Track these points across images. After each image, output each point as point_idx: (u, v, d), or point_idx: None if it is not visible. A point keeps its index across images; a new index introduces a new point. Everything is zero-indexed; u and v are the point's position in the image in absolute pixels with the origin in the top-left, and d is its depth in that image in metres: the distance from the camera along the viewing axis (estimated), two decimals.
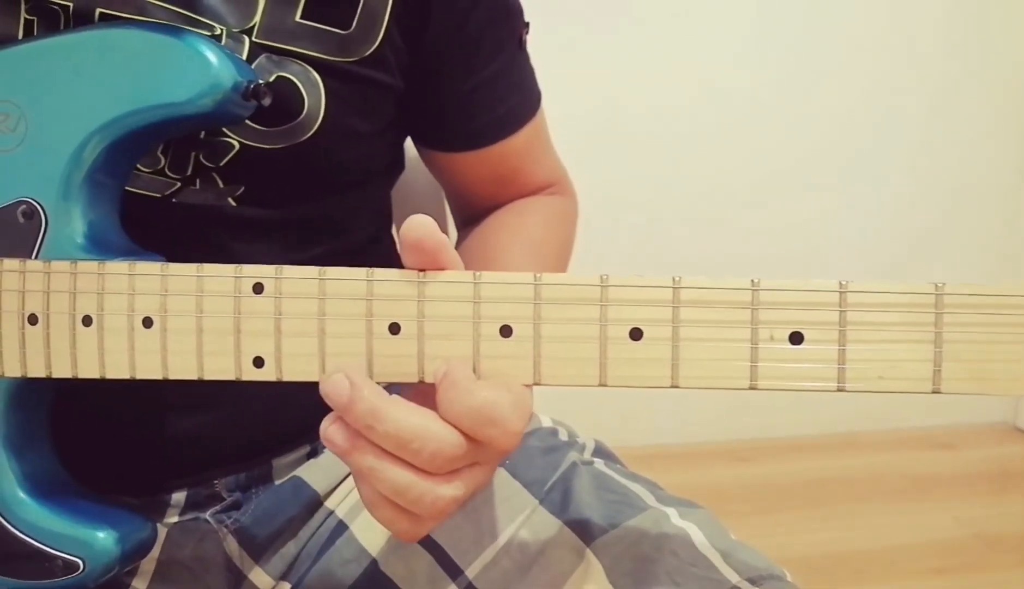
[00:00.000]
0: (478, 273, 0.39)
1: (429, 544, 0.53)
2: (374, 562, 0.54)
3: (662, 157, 1.66)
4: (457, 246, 0.64)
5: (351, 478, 0.57)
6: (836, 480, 1.61)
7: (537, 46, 0.63)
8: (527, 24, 0.61)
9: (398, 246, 0.67)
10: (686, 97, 1.66)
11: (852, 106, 1.72)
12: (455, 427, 0.38)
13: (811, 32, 1.68)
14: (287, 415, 0.55)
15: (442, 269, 0.40)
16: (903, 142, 1.77)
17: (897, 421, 1.75)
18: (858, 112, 1.73)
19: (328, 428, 0.38)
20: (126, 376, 0.42)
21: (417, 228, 0.39)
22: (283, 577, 0.56)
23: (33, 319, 0.43)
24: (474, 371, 0.39)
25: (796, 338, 0.37)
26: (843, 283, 0.37)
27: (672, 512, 0.53)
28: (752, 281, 0.37)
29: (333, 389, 0.38)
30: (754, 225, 1.71)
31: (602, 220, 1.44)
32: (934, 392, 0.37)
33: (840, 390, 0.37)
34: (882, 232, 1.78)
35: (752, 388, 0.38)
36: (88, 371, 0.43)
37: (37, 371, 0.43)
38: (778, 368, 0.38)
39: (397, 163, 0.63)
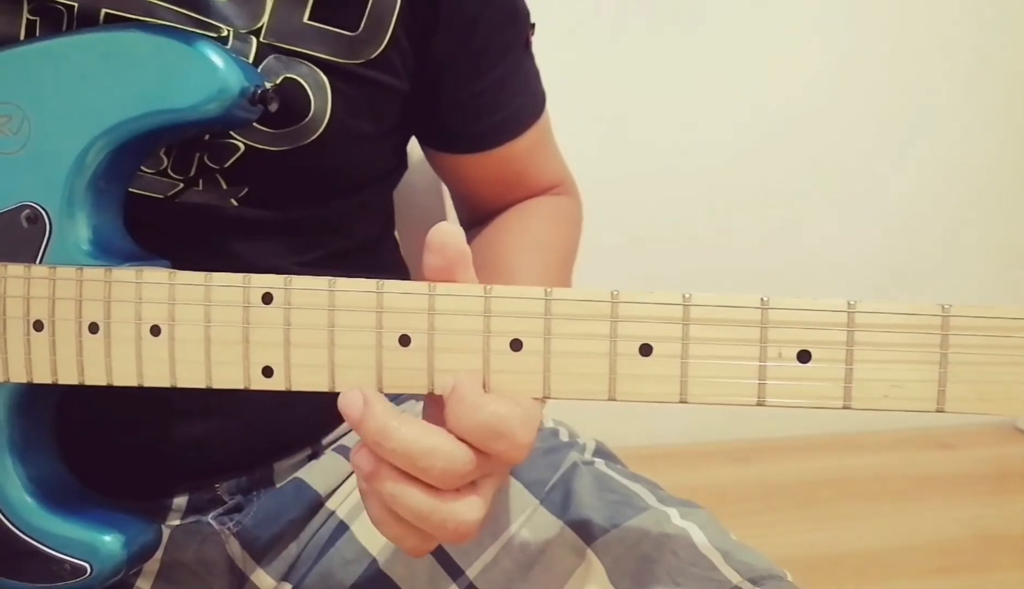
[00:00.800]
0: (488, 286, 0.39)
1: None
2: (375, 562, 0.54)
3: (667, 161, 1.65)
4: None
5: (352, 479, 0.57)
6: (836, 480, 1.60)
7: (541, 47, 0.63)
8: (533, 25, 0.61)
9: (401, 249, 0.68)
10: (692, 104, 1.64)
11: (859, 115, 1.71)
12: (464, 441, 0.38)
13: (817, 41, 1.66)
14: (289, 421, 0.55)
15: (454, 281, 0.40)
16: (909, 152, 1.75)
17: (897, 421, 1.74)
18: (865, 121, 1.71)
19: (356, 454, 0.39)
20: (134, 384, 0.42)
21: (444, 234, 0.39)
22: (284, 578, 0.56)
23: (39, 325, 0.43)
24: (483, 385, 0.39)
25: (804, 356, 0.37)
26: (851, 303, 0.37)
27: (673, 512, 0.54)
28: (762, 299, 0.37)
29: (348, 405, 0.38)
30: (759, 233, 1.70)
31: (606, 223, 1.42)
32: (938, 411, 0.37)
33: (846, 408, 0.37)
34: (889, 243, 1.77)
35: (759, 404, 0.38)
36: (95, 378, 0.42)
37: (43, 377, 0.43)
38: (785, 386, 0.38)
39: (401, 164, 0.63)
